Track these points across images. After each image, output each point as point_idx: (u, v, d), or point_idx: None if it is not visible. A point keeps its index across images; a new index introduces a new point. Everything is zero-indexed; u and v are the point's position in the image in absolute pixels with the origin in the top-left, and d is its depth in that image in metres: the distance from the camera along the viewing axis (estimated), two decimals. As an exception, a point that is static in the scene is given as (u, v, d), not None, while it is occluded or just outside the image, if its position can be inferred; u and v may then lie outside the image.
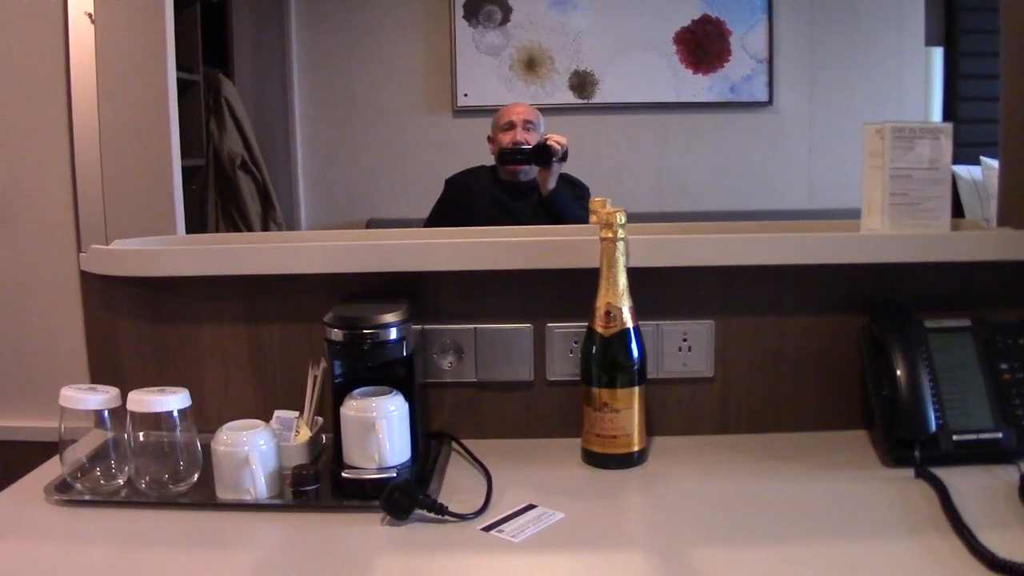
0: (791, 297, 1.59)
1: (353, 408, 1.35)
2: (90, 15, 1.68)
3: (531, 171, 3.13)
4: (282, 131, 4.73)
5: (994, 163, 3.55)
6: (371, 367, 1.42)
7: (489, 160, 3.33)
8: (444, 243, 1.55)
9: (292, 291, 1.59)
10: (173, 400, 1.35)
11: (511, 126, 3.28)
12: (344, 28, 4.72)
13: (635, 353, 1.44)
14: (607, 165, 4.56)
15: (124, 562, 1.19)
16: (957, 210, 3.80)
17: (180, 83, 1.99)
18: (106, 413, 1.38)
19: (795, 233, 1.57)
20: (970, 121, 4.17)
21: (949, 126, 1.56)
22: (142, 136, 1.83)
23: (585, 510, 1.31)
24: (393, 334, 1.36)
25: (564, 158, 3.03)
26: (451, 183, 3.33)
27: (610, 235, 1.41)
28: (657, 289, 1.56)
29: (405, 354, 1.39)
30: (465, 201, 3.24)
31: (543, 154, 3.01)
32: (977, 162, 4.10)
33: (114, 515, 1.32)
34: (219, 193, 4.19)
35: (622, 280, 1.42)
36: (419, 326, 1.51)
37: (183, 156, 1.92)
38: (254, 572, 1.16)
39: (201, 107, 4.10)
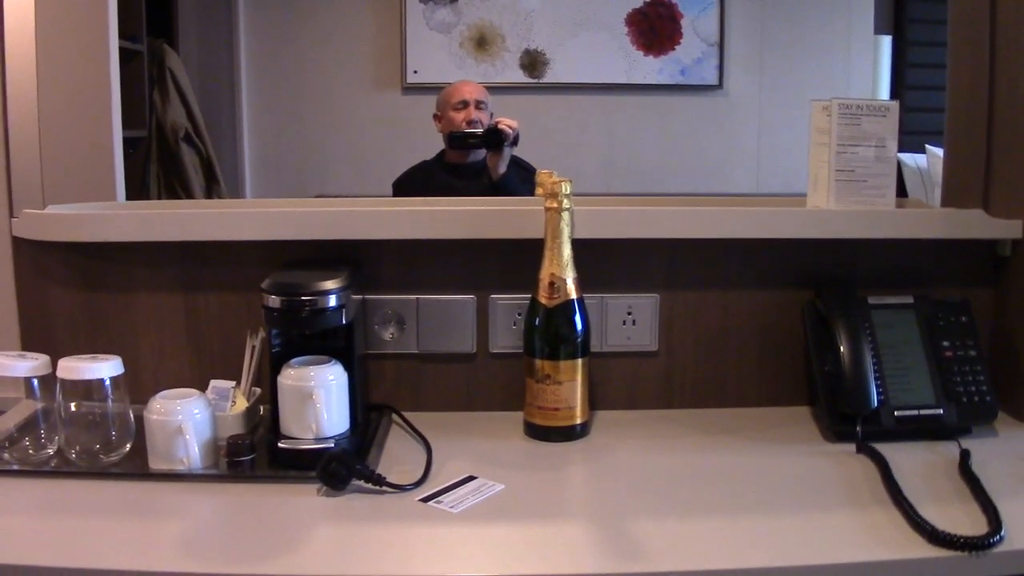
0: (736, 272, 1.58)
1: (290, 377, 1.32)
2: (30, -24, 1.63)
3: (480, 152, 3.10)
4: (228, 104, 4.66)
5: (939, 151, 3.59)
6: (309, 335, 1.39)
7: (436, 136, 3.30)
8: (386, 211, 1.53)
9: (230, 259, 1.56)
10: (105, 367, 1.32)
11: (464, 104, 3.24)
12: (293, 1, 4.65)
13: (579, 325, 1.42)
14: (557, 145, 4.55)
15: (53, 532, 1.16)
16: (902, 197, 3.84)
17: (123, 52, 1.96)
18: (35, 381, 1.35)
19: (741, 207, 1.57)
20: (916, 109, 4.21)
21: (895, 104, 1.57)
22: (82, 105, 1.78)
23: (525, 482, 1.30)
24: (332, 301, 1.34)
25: (515, 142, 3.00)
26: (398, 186, 3.28)
27: (555, 205, 1.39)
28: (602, 261, 1.55)
29: (344, 322, 1.37)
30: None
31: (494, 138, 2.98)
32: (923, 150, 4.14)
33: (43, 485, 1.29)
34: (161, 165, 4.12)
35: (567, 251, 1.41)
36: (360, 296, 1.48)
37: (125, 127, 1.89)
38: (186, 543, 1.13)
39: (144, 77, 4.03)
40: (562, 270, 1.41)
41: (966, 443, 1.38)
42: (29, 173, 1.65)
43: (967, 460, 1.31)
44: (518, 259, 1.51)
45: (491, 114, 3.24)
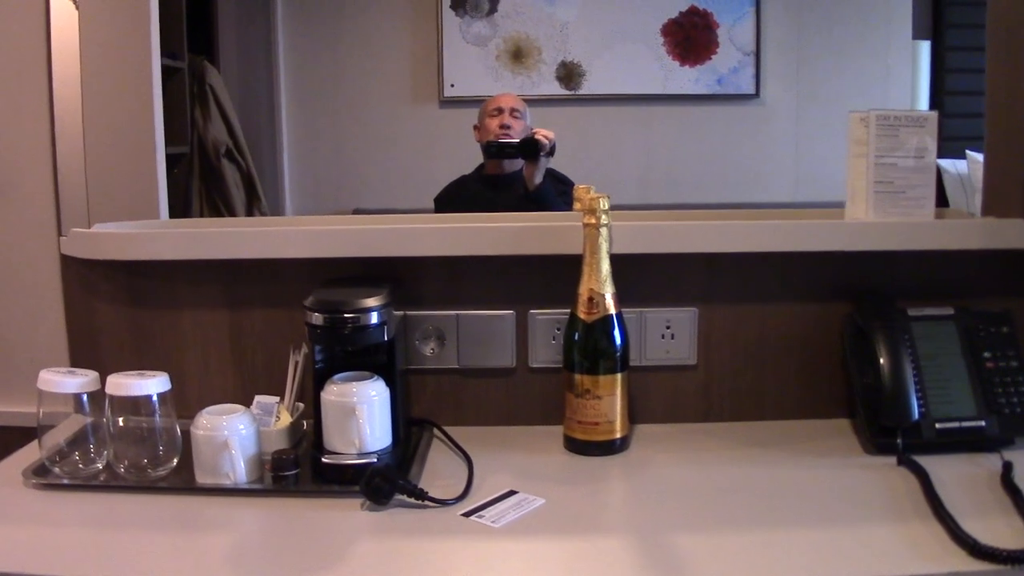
0: (774, 285, 1.58)
1: (334, 393, 1.34)
2: (74, 0, 1.66)
3: (516, 162, 3.12)
4: (267, 120, 4.71)
5: (980, 157, 3.56)
6: (352, 352, 1.41)
7: (474, 148, 3.32)
8: (426, 228, 1.54)
9: (274, 276, 1.58)
10: (152, 384, 1.34)
11: (498, 111, 3.27)
12: (331, 17, 4.70)
13: (618, 340, 1.43)
14: (593, 157, 4.55)
15: (102, 546, 1.18)
16: (942, 204, 3.81)
17: (165, 70, 1.98)
18: (85, 397, 1.37)
19: (779, 220, 1.57)
20: (956, 115, 4.18)
21: (934, 114, 1.56)
22: (126, 123, 1.81)
23: (566, 496, 1.31)
24: (374, 318, 1.35)
25: (551, 152, 3.01)
26: (439, 201, 3.31)
27: (593, 221, 1.40)
28: (640, 276, 1.55)
29: (386, 339, 1.38)
30: (457, 212, 3.22)
31: (530, 148, 2.98)
32: (963, 156, 4.11)
33: (92, 499, 1.31)
34: (203, 182, 4.16)
35: (605, 266, 1.42)
36: (401, 312, 1.50)
37: (167, 144, 1.91)
38: (232, 556, 1.15)
39: (186, 94, 4.08)
40: (601, 285, 1.42)
41: (1009, 455, 1.37)
42: (75, 191, 1.69)
43: (1010, 472, 1.30)
44: (557, 274, 1.52)
45: (529, 126, 3.25)
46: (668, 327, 1.58)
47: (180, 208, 4.01)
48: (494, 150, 3.10)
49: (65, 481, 1.35)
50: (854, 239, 1.53)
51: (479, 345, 1.58)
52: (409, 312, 1.56)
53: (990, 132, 1.66)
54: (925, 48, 4.63)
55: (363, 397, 1.33)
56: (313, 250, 1.53)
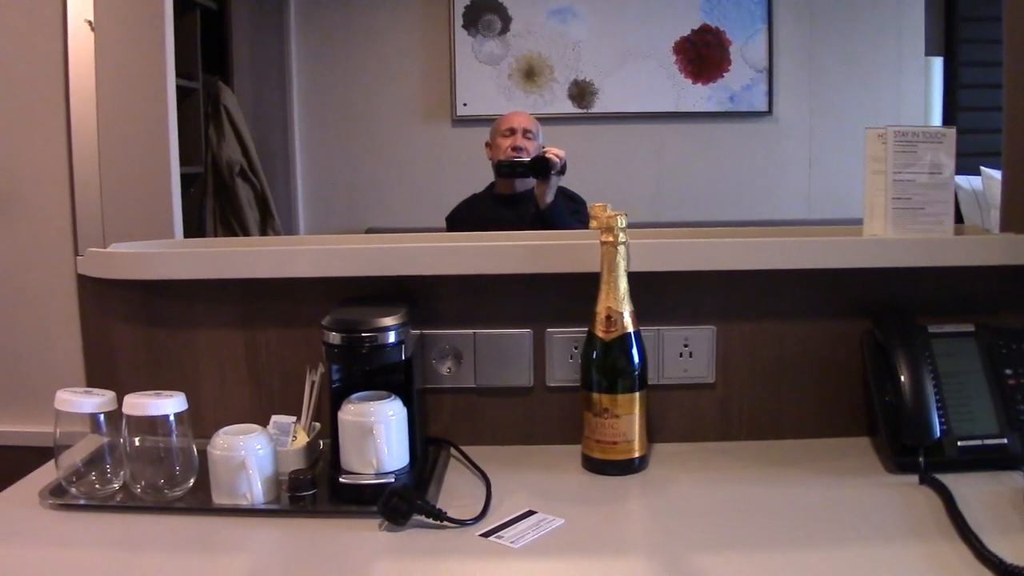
0: (793, 302, 1.58)
1: (351, 412, 1.33)
2: (90, 22, 1.67)
3: (528, 181, 3.12)
4: (281, 139, 4.73)
5: (994, 173, 3.54)
6: (369, 371, 1.41)
7: (486, 167, 3.33)
8: (443, 247, 1.54)
9: (290, 295, 1.58)
10: (169, 404, 1.34)
11: (511, 132, 3.28)
12: (343, 36, 4.72)
13: (636, 358, 1.43)
14: (606, 175, 4.55)
15: (119, 566, 1.18)
16: (957, 220, 3.78)
17: (179, 90, 1.99)
18: (102, 417, 1.37)
19: (797, 237, 1.56)
20: (970, 131, 4.12)
21: (952, 131, 1.55)
22: (141, 143, 1.82)
23: (585, 516, 1.30)
24: (391, 337, 1.35)
25: (562, 171, 3.01)
26: (451, 220, 3.32)
27: (611, 239, 1.40)
28: (658, 294, 1.55)
29: (403, 358, 1.38)
30: (469, 230, 3.22)
31: (541, 167, 2.98)
32: (977, 172, 4.09)
33: (109, 519, 1.31)
34: (217, 201, 4.18)
35: (623, 284, 1.41)
36: (418, 331, 1.50)
37: (181, 163, 1.92)
38: (250, 578, 1.14)
39: (200, 114, 4.10)
40: (619, 303, 1.41)
41: (1032, 473, 1.36)
42: (91, 211, 1.69)
43: (1034, 490, 1.29)
44: (574, 293, 1.51)
45: (542, 145, 3.26)
46: (686, 345, 1.57)
47: (194, 227, 4.03)
48: (505, 170, 3.11)
49: (82, 501, 1.35)
50: (873, 256, 1.52)
51: (496, 364, 1.58)
52: (426, 331, 1.55)
53: (1009, 149, 1.65)
54: (938, 64, 4.62)
55: (380, 417, 1.32)
56: (329, 269, 1.53)
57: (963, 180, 4.09)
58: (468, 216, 3.25)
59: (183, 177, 1.98)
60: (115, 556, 1.21)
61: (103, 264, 1.62)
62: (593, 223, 1.42)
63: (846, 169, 4.44)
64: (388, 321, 1.35)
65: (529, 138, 3.27)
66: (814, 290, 1.57)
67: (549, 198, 3.01)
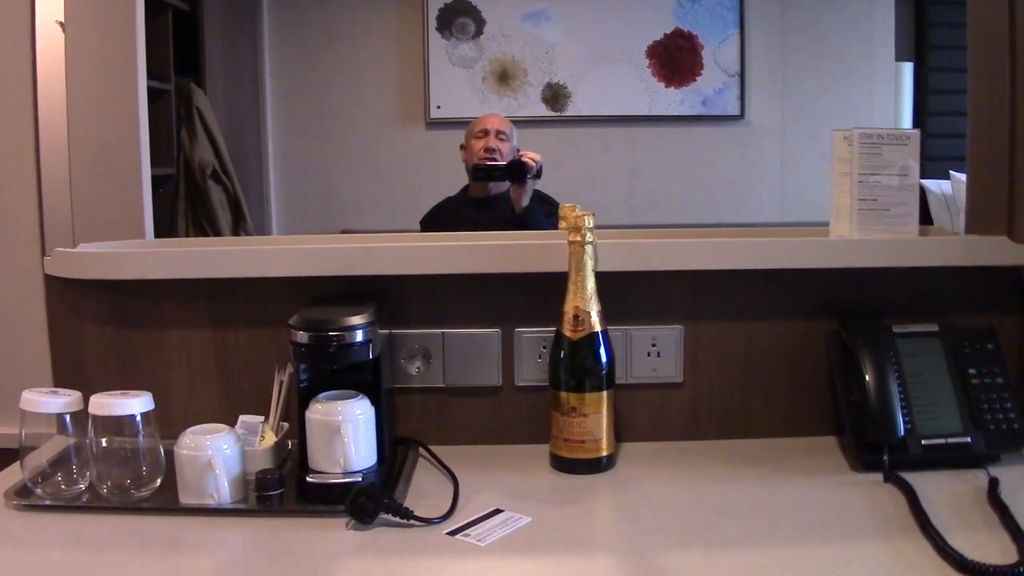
0: (760, 302, 1.59)
1: (318, 412, 1.33)
2: (61, 23, 1.66)
3: (502, 184, 3.12)
4: (254, 141, 4.71)
5: (963, 177, 3.58)
6: (337, 370, 1.40)
7: (460, 169, 3.33)
8: (412, 246, 1.54)
9: (259, 295, 1.57)
10: (136, 403, 1.33)
11: (484, 133, 3.27)
12: (317, 39, 4.71)
13: (603, 357, 1.43)
14: (579, 177, 4.57)
15: (84, 567, 1.17)
16: (928, 223, 3.82)
17: (151, 92, 1.98)
18: (68, 417, 1.36)
19: (764, 238, 1.57)
20: (940, 135, 4.20)
21: (917, 133, 1.57)
22: (112, 144, 1.81)
23: (552, 514, 1.30)
24: (359, 336, 1.35)
25: (538, 175, 3.02)
26: (425, 224, 3.31)
27: (578, 238, 1.40)
28: (626, 294, 1.56)
29: (371, 356, 1.38)
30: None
31: (517, 170, 2.99)
32: (947, 176, 4.13)
33: (75, 520, 1.30)
34: (189, 203, 4.16)
35: (590, 284, 1.42)
36: (386, 330, 1.49)
37: (153, 165, 1.91)
38: (216, 577, 1.14)
39: (172, 116, 4.08)
40: (586, 303, 1.42)
41: (994, 471, 1.37)
42: (60, 212, 1.68)
43: (996, 488, 1.30)
44: (543, 293, 1.52)
45: (516, 148, 3.26)
46: (654, 344, 1.58)
47: (166, 229, 4.01)
48: (481, 174, 3.10)
49: (47, 502, 1.34)
50: (839, 256, 1.53)
51: (465, 364, 1.58)
52: (395, 331, 1.55)
53: (973, 152, 1.67)
54: (908, 69, 4.66)
55: (348, 416, 1.32)
56: (298, 269, 1.53)
57: (933, 184, 4.13)
58: (442, 219, 3.25)
59: (154, 179, 1.97)
60: (80, 557, 1.20)
61: (70, 264, 1.60)
62: (561, 223, 1.43)
63: (818, 173, 4.46)
64: (355, 320, 1.35)
65: (503, 139, 3.27)
66: (781, 290, 1.58)
67: (525, 202, 3.02)
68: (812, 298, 1.58)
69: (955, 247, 1.57)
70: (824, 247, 1.55)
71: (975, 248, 1.57)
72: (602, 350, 1.43)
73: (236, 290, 1.58)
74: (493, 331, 1.58)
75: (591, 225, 1.40)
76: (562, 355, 1.43)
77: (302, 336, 1.35)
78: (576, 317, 1.42)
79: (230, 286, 1.57)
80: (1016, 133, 1.58)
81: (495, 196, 3.18)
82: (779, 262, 1.53)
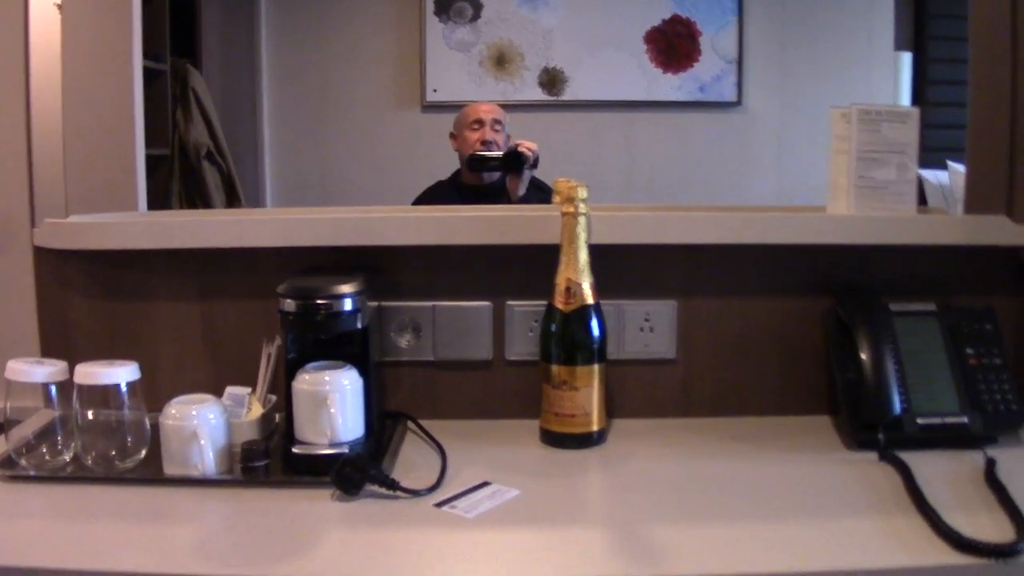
0: (756, 278, 1.57)
1: (305, 382, 1.32)
2: (58, 4, 1.64)
3: (495, 173, 3.10)
4: (249, 123, 4.69)
5: (961, 168, 3.55)
6: (325, 341, 1.39)
7: (454, 156, 3.30)
8: (403, 216, 1.52)
9: (248, 266, 1.56)
10: (121, 372, 1.31)
11: (479, 124, 3.24)
12: (314, 21, 4.69)
13: (595, 330, 1.41)
14: (576, 162, 4.53)
15: (68, 537, 1.15)
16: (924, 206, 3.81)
17: (147, 72, 1.98)
18: (53, 387, 1.34)
19: (760, 213, 1.55)
20: (938, 126, 4.17)
21: (916, 110, 1.55)
22: (106, 124, 1.81)
23: (541, 488, 1.29)
24: (347, 305, 1.33)
25: (535, 165, 3.00)
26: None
27: (571, 210, 1.38)
28: (619, 267, 1.54)
29: (360, 326, 1.36)
30: None
31: (514, 161, 2.98)
32: (944, 167, 4.11)
33: (59, 491, 1.29)
34: (184, 183, 4.15)
35: (583, 256, 1.40)
36: (376, 302, 1.48)
37: (148, 145, 1.91)
38: (200, 547, 1.12)
39: (168, 96, 4.07)
40: (579, 275, 1.40)
41: (992, 452, 1.35)
42: (53, 188, 1.66)
43: (993, 468, 1.28)
44: (535, 265, 1.50)
45: (508, 135, 3.24)
46: (647, 320, 1.56)
47: (159, 209, 3.97)
48: (477, 164, 3.08)
49: (32, 473, 1.32)
50: (836, 232, 1.52)
51: (456, 337, 1.56)
52: (385, 303, 1.54)
53: (973, 134, 1.64)
54: (907, 59, 4.64)
55: (335, 386, 1.30)
56: (288, 239, 1.51)
57: (930, 174, 4.11)
58: (435, 204, 3.23)
59: (149, 159, 1.97)
60: (64, 527, 1.18)
61: (59, 234, 1.58)
62: (555, 197, 1.42)
63: (816, 161, 4.40)
64: (344, 288, 1.33)
65: (497, 130, 3.25)
66: (777, 266, 1.57)
67: (521, 191, 3.01)
68: (808, 276, 1.57)
69: (954, 226, 1.56)
70: (821, 223, 1.53)
71: (974, 227, 1.55)
72: (594, 323, 1.41)
73: (225, 262, 1.56)
74: (484, 304, 1.56)
75: (584, 196, 1.39)
76: (553, 328, 1.42)
77: (289, 304, 1.33)
78: (568, 289, 1.40)
79: (219, 257, 1.56)
80: (1016, 115, 1.56)
81: (488, 184, 3.15)
82: (775, 237, 1.52)
